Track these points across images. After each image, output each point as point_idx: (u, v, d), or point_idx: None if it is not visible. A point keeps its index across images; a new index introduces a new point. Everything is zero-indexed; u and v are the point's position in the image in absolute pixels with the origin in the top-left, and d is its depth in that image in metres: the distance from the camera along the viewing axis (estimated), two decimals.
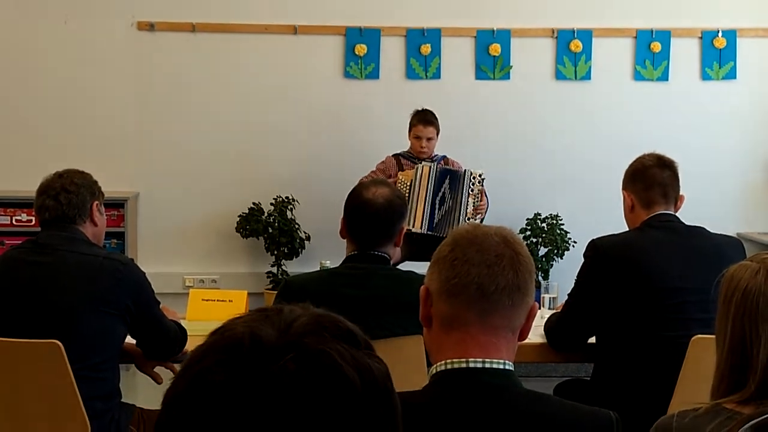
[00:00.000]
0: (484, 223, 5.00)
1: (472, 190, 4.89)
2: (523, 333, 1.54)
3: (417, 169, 4.92)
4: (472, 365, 1.47)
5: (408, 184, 4.92)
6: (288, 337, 0.81)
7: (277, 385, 0.78)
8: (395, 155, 5.17)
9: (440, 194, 4.89)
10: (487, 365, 1.47)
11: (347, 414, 0.79)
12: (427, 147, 5.05)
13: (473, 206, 4.90)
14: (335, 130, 5.65)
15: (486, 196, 4.98)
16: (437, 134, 5.08)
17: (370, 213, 2.59)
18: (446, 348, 1.50)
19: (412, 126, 5.09)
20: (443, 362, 1.49)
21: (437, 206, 4.89)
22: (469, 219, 4.88)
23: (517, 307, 1.50)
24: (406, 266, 4.36)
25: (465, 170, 4.94)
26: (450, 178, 4.90)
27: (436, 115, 5.08)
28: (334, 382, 0.79)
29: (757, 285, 1.55)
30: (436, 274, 1.52)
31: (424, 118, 5.06)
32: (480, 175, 4.93)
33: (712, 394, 1.57)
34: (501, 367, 1.48)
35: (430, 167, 4.91)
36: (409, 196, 4.87)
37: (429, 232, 4.85)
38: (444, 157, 5.16)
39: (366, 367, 0.82)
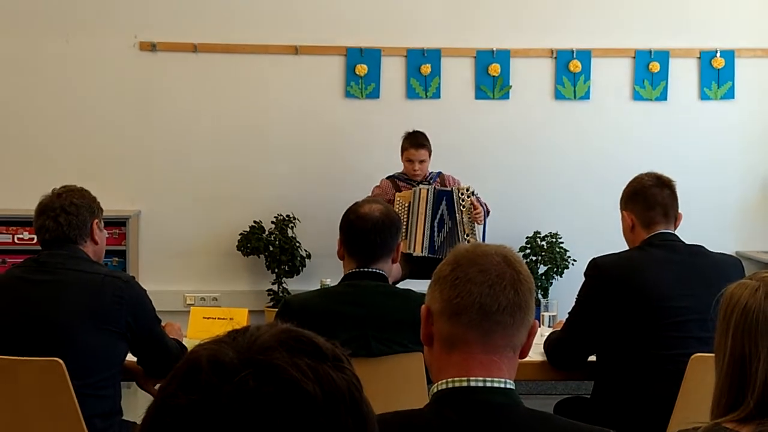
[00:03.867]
0: (486, 230, 4.99)
1: (464, 206, 4.87)
2: (524, 351, 1.55)
3: (414, 192, 4.90)
4: (473, 384, 1.48)
5: (406, 205, 4.90)
6: (245, 355, 0.83)
7: (236, 403, 0.79)
8: (390, 178, 5.13)
9: (438, 216, 4.88)
10: (488, 384, 1.48)
11: (308, 426, 0.80)
12: (420, 169, 5.02)
13: (469, 221, 4.88)
14: (336, 149, 5.67)
15: (482, 203, 4.94)
16: (429, 155, 5.03)
17: (367, 227, 2.60)
18: (448, 367, 1.50)
19: (403, 149, 5.05)
20: (444, 381, 1.50)
21: (437, 229, 4.87)
22: (467, 235, 4.86)
23: (519, 325, 1.51)
24: (407, 285, 4.38)
25: (452, 188, 4.93)
26: (446, 199, 4.89)
27: (428, 136, 5.05)
28: (293, 397, 0.80)
29: (757, 302, 1.56)
30: (437, 293, 1.53)
31: (415, 142, 5.01)
32: (468, 189, 4.90)
33: (712, 411, 1.58)
34: (502, 385, 1.49)
35: (428, 190, 4.89)
36: (408, 219, 4.85)
37: (430, 255, 4.83)
38: (440, 173, 5.14)
39: (328, 380, 0.83)
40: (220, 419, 0.79)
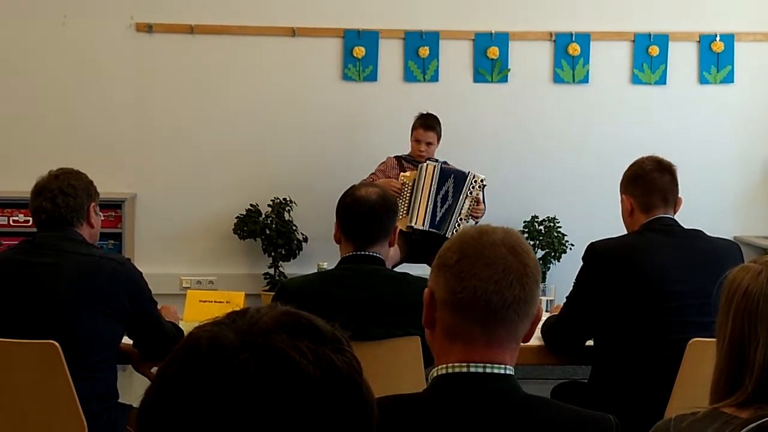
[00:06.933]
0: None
1: (471, 193, 4.88)
2: (527, 337, 1.54)
3: (421, 167, 4.91)
4: (473, 370, 1.47)
5: (411, 183, 4.91)
6: (245, 337, 0.82)
7: (236, 385, 0.79)
8: (396, 157, 5.17)
9: (443, 192, 4.89)
10: (488, 370, 1.47)
11: (309, 408, 0.80)
12: (426, 151, 5.04)
13: (468, 209, 4.88)
14: (333, 132, 5.65)
15: (484, 203, 4.96)
16: (438, 140, 5.08)
17: (364, 210, 2.59)
18: (449, 355, 1.49)
19: (413, 129, 5.09)
20: (444, 366, 1.49)
21: (440, 204, 4.88)
22: (461, 220, 4.86)
23: (524, 319, 1.49)
24: (404, 268, 4.37)
25: (469, 172, 4.93)
26: (455, 177, 4.89)
27: (440, 121, 5.07)
28: (293, 379, 0.80)
29: (759, 286, 1.55)
30: (442, 281, 1.49)
31: (425, 123, 5.06)
32: (482, 180, 4.92)
33: (711, 395, 1.57)
34: (502, 371, 1.48)
35: (434, 166, 4.91)
36: (412, 194, 4.88)
37: (431, 229, 4.84)
38: (444, 162, 5.14)
39: (328, 362, 0.83)
40: (220, 401, 0.79)
